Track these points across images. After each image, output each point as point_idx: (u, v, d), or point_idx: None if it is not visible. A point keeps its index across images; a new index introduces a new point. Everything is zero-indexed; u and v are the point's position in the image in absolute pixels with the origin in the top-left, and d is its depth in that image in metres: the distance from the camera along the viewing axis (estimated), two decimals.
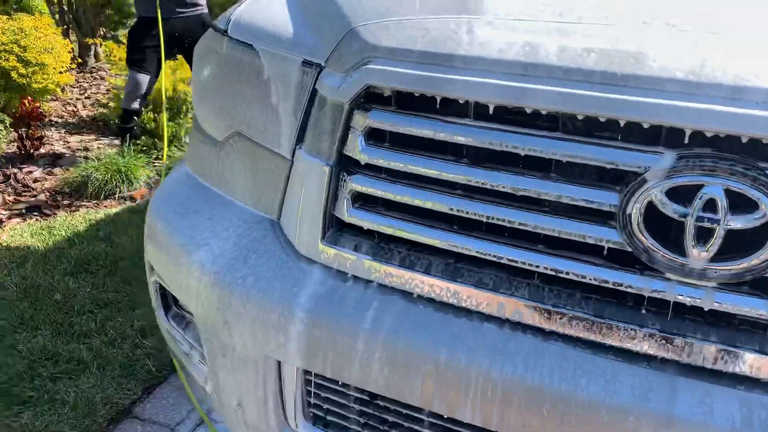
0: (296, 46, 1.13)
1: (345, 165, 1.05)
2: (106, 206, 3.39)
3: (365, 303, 1.03)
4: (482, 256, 0.97)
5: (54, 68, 4.56)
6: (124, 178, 3.51)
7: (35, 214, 3.29)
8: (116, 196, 3.48)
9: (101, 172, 3.48)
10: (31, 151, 3.99)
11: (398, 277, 1.02)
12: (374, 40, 1.01)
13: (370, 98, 1.01)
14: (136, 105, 4.00)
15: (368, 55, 1.00)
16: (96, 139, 4.51)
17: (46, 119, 4.57)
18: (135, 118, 4.02)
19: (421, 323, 0.99)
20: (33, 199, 3.43)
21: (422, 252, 1.03)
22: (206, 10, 4.08)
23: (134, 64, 3.92)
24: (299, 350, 1.06)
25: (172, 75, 4.65)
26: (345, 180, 1.05)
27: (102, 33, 7.01)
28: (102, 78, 6.16)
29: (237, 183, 1.27)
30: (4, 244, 2.84)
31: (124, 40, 5.21)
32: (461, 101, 0.94)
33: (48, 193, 3.51)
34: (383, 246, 1.06)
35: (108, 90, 5.71)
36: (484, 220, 0.95)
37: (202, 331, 1.18)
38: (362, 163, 1.03)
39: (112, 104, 4.81)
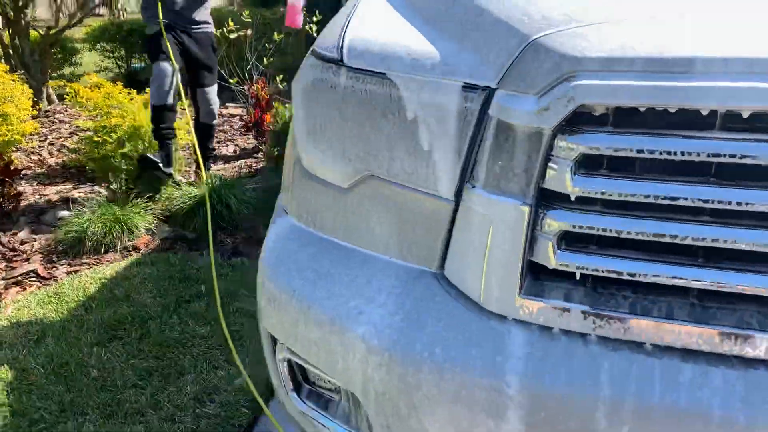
0: (448, 70, 0.96)
1: (543, 201, 0.89)
2: (109, 261, 3.11)
3: (593, 364, 0.86)
4: (746, 292, 0.81)
5: (18, 118, 4.24)
6: (124, 228, 3.24)
7: (33, 280, 2.99)
8: (117, 248, 3.21)
9: (98, 224, 3.20)
10: (9, 210, 3.67)
11: (630, 327, 0.86)
12: (574, 51, 0.84)
13: (572, 120, 0.85)
14: (170, 99, 3.56)
15: (571, 69, 0.83)
16: (74, 188, 4.20)
17: (21, 173, 4.24)
18: (165, 129, 3.61)
19: (673, 380, 0.83)
20: (27, 263, 3.13)
21: (653, 293, 0.87)
22: (213, 29, 3.85)
23: (156, 58, 3.54)
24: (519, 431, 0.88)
25: (145, 108, 4.37)
26: (546, 219, 0.88)
27: (49, 74, 6.62)
28: (61, 121, 5.80)
29: (375, 233, 1.08)
30: (13, 319, 2.55)
31: (75, 77, 4.89)
32: (704, 112, 0.78)
33: (41, 255, 3.21)
34: (600, 292, 0.89)
35: (72, 133, 5.37)
36: (752, 248, 0.79)
37: (376, 418, 0.99)
38: (572, 197, 0.86)
39: (83, 148, 4.49)
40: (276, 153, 4.25)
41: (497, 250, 0.91)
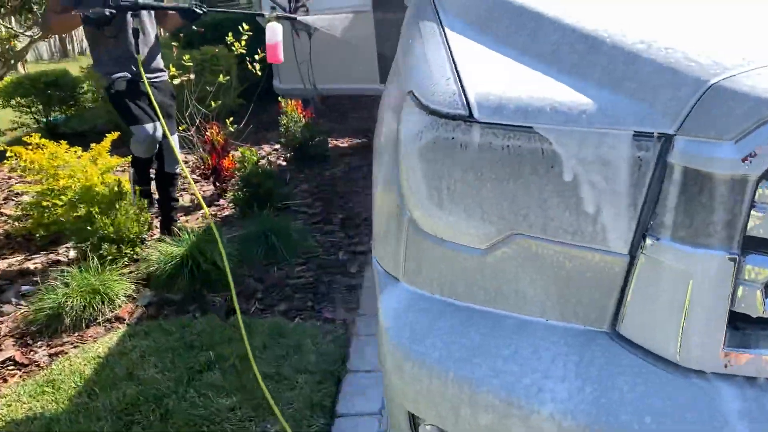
0: (611, 120, 0.91)
1: (745, 249, 0.85)
2: (92, 336, 2.87)
3: None
4: None
5: None
6: (105, 298, 3.00)
7: (12, 369, 2.71)
8: (99, 321, 2.97)
9: (75, 297, 2.95)
10: None
11: None
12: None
13: None
14: (153, 152, 3.57)
15: None
16: (26, 259, 3.88)
17: None
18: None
19: None
20: None
21: None
22: (167, 77, 3.69)
23: (136, 120, 3.42)
24: None
25: (93, 164, 4.10)
26: (753, 267, 0.84)
27: None
28: None
29: (527, 295, 1.01)
30: (7, 418, 2.29)
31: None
32: None
33: (14, 339, 2.92)
34: None
35: (7, 199, 4.99)
36: None
37: None
38: None
39: (30, 213, 4.15)
40: (244, 199, 4.09)
41: (698, 304, 0.86)
